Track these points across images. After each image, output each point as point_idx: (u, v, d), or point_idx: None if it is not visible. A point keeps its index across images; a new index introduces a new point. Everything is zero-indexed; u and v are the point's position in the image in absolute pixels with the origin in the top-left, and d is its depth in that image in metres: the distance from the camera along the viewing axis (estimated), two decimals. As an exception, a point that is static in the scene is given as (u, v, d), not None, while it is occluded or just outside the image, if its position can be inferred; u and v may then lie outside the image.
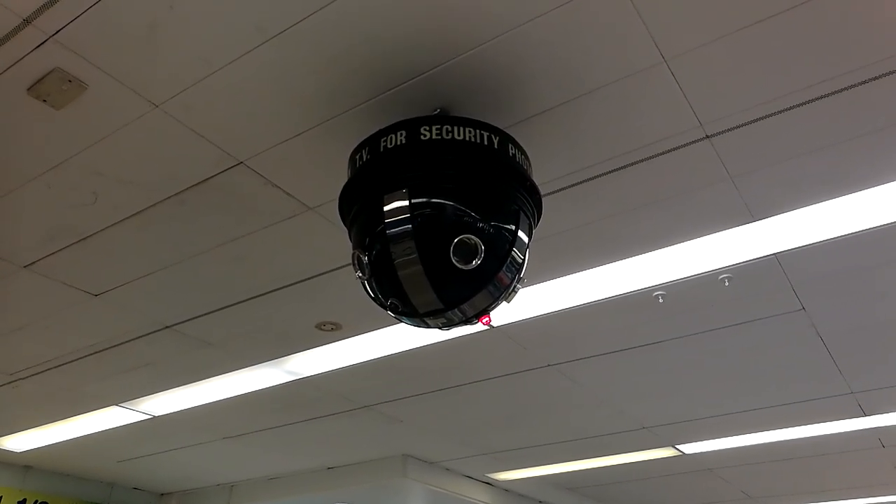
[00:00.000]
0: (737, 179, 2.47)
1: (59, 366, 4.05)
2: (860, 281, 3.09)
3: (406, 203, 1.85)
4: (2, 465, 6.06)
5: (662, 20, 1.87)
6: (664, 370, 4.06)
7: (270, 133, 2.30)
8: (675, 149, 2.33)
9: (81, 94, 2.12)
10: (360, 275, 1.99)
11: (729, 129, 2.25)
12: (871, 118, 2.20)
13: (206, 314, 3.46)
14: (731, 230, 2.75)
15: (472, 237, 1.83)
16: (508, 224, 1.94)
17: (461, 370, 4.12)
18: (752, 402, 4.60)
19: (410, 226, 1.84)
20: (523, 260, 1.99)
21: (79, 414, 4.87)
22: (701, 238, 2.80)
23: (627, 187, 2.52)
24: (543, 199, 2.09)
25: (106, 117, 2.23)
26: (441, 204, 1.90)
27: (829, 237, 2.77)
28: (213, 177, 2.50)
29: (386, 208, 1.86)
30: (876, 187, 2.49)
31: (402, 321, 2.08)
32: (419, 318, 1.97)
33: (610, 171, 2.44)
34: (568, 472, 6.30)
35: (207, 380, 4.26)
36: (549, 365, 4.01)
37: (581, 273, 3.07)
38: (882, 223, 2.67)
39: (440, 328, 2.06)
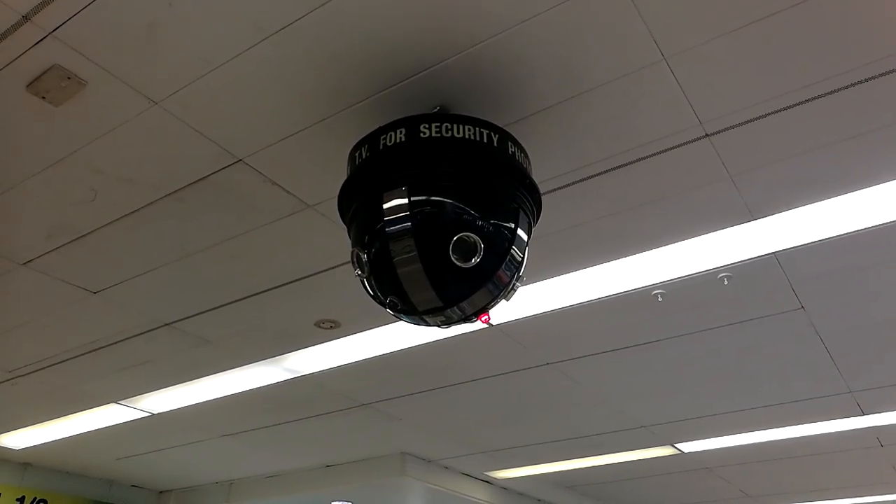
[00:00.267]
0: (736, 178, 2.47)
1: (58, 363, 4.05)
2: (859, 280, 3.10)
3: (405, 201, 1.85)
4: (0, 462, 6.06)
5: (662, 18, 1.87)
6: (663, 369, 4.06)
7: (270, 131, 2.29)
8: (674, 147, 2.33)
9: (80, 91, 2.12)
10: (360, 272, 1.99)
11: (728, 128, 2.25)
12: (870, 117, 2.20)
13: (205, 312, 3.46)
14: (730, 229, 2.75)
15: (472, 235, 1.83)
16: (508, 222, 1.94)
17: (460, 368, 4.12)
18: (750, 401, 4.60)
19: (410, 223, 1.84)
20: (522, 258, 1.99)
21: (77, 411, 4.86)
22: (700, 237, 2.80)
23: (627, 186, 2.52)
24: (543, 198, 2.09)
25: (105, 114, 2.23)
26: (440, 202, 1.90)
27: (828, 236, 2.77)
28: (212, 174, 2.50)
29: (385, 206, 1.86)
30: (876, 186, 2.49)
31: (401, 319, 2.08)
32: (418, 316, 1.97)
33: (609, 170, 2.44)
34: (566, 471, 6.31)
35: (206, 377, 4.25)
36: (547, 363, 4.01)
37: (580, 271, 3.07)
38: (881, 222, 2.67)
39: (439, 326, 2.05)
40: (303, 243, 2.90)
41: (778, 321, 3.46)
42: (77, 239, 2.87)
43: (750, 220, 2.69)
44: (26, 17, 1.88)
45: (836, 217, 2.66)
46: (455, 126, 1.87)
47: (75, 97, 2.14)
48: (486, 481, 6.68)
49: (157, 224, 2.77)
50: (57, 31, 1.92)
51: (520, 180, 1.96)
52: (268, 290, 3.25)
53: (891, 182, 2.47)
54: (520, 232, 1.95)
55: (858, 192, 2.52)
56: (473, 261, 1.82)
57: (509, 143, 1.94)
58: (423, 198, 1.88)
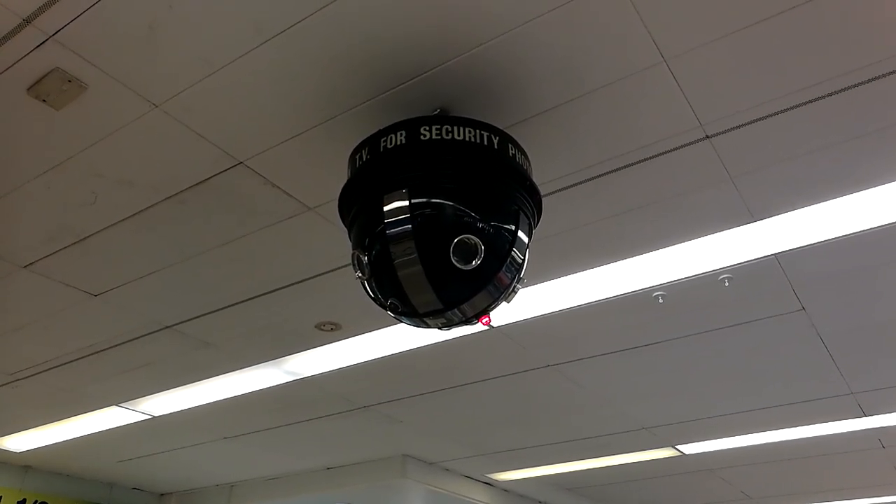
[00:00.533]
0: (737, 180, 2.47)
1: (59, 366, 4.05)
2: (860, 281, 3.09)
3: (406, 203, 1.85)
4: (1, 465, 6.06)
5: (662, 20, 1.87)
6: (664, 370, 4.06)
7: (270, 133, 2.29)
8: (674, 149, 2.33)
9: (81, 94, 2.12)
10: (360, 275, 1.99)
11: (729, 130, 2.25)
12: (871, 118, 2.20)
13: (205, 314, 3.46)
14: (731, 230, 2.75)
15: (472, 237, 1.83)
16: (508, 224, 1.94)
17: (461, 370, 4.12)
18: (752, 403, 4.60)
19: (410, 226, 1.83)
20: (523, 260, 1.99)
21: (78, 414, 4.86)
22: (701, 238, 2.80)
23: (627, 188, 2.52)
24: (543, 200, 2.09)
25: (106, 117, 2.23)
26: (441, 204, 1.89)
27: (829, 237, 2.77)
28: (212, 177, 2.50)
29: (386, 208, 1.86)
30: (876, 187, 2.49)
31: (401, 321, 2.08)
32: (419, 318, 1.97)
33: (610, 172, 2.44)
34: (568, 473, 6.30)
35: (207, 380, 4.25)
36: (548, 365, 4.01)
37: (581, 273, 3.07)
38: (882, 223, 2.67)
39: (440, 328, 2.05)
40: (303, 246, 2.90)
41: (779, 322, 3.46)
42: (78, 242, 2.87)
43: (750, 222, 2.69)
44: (27, 21, 1.88)
45: (836, 218, 2.66)
46: (455, 128, 1.87)
47: (76, 100, 2.14)
48: (488, 483, 6.68)
49: (158, 227, 2.77)
50: (58, 34, 1.92)
51: (520, 182, 1.96)
52: (269, 292, 3.25)
53: (891, 183, 2.46)
54: (520, 234, 1.95)
55: (859, 193, 2.52)
56: (474, 263, 1.82)
57: (510, 146, 1.94)
58: (424, 200, 1.88)
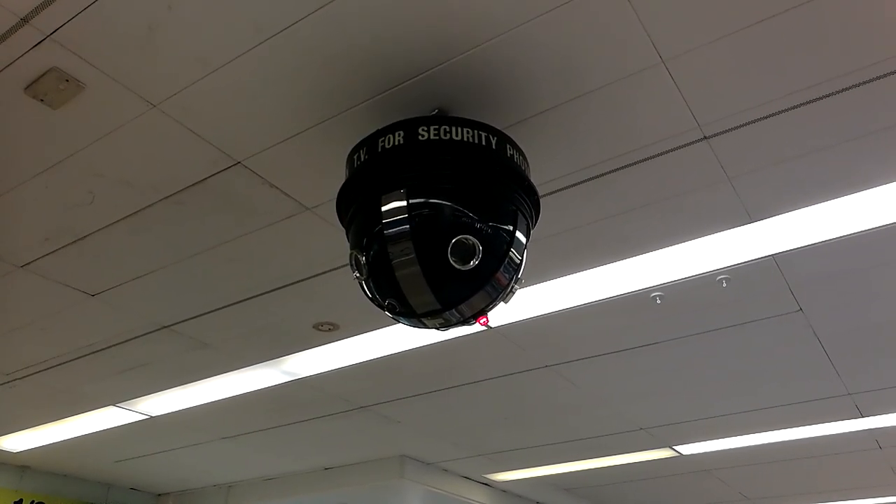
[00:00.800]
0: (734, 181, 2.47)
1: (57, 366, 4.04)
2: (858, 282, 3.10)
3: (404, 203, 1.85)
4: (-2, 465, 6.06)
5: (660, 21, 1.87)
6: (661, 371, 4.06)
7: (268, 133, 2.29)
8: (672, 150, 2.34)
9: (79, 93, 2.11)
10: (358, 275, 1.99)
11: (727, 131, 2.25)
12: (869, 120, 2.20)
13: (203, 314, 3.46)
14: (728, 231, 2.75)
15: (470, 238, 1.83)
16: (506, 224, 1.94)
17: (459, 371, 4.12)
18: (749, 403, 4.60)
19: (408, 226, 1.83)
20: (521, 260, 1.99)
21: (76, 414, 4.86)
22: (699, 239, 2.80)
23: (625, 188, 2.52)
24: (541, 200, 2.09)
25: (103, 117, 2.23)
26: (439, 204, 1.90)
27: (826, 238, 2.77)
28: (210, 177, 2.50)
29: (384, 209, 1.86)
30: (874, 189, 2.50)
31: (399, 322, 2.08)
32: (417, 318, 1.97)
33: (607, 172, 2.45)
34: (565, 473, 6.30)
35: (205, 380, 4.25)
36: (546, 366, 4.01)
37: (578, 274, 3.07)
38: (880, 224, 2.67)
39: (438, 329, 2.05)
40: (301, 246, 2.90)
41: (776, 323, 3.46)
42: (75, 241, 2.87)
43: (748, 223, 2.69)
44: (25, 20, 1.88)
45: (834, 219, 2.66)
46: (453, 129, 1.88)
47: (74, 100, 2.14)
48: (485, 484, 6.68)
49: (156, 226, 2.77)
50: (55, 33, 1.92)
51: (518, 183, 1.96)
52: (266, 292, 3.25)
53: (889, 184, 2.47)
54: (518, 234, 1.95)
55: (857, 194, 2.53)
56: (472, 263, 1.82)
57: (508, 146, 1.94)
58: (422, 200, 1.88)
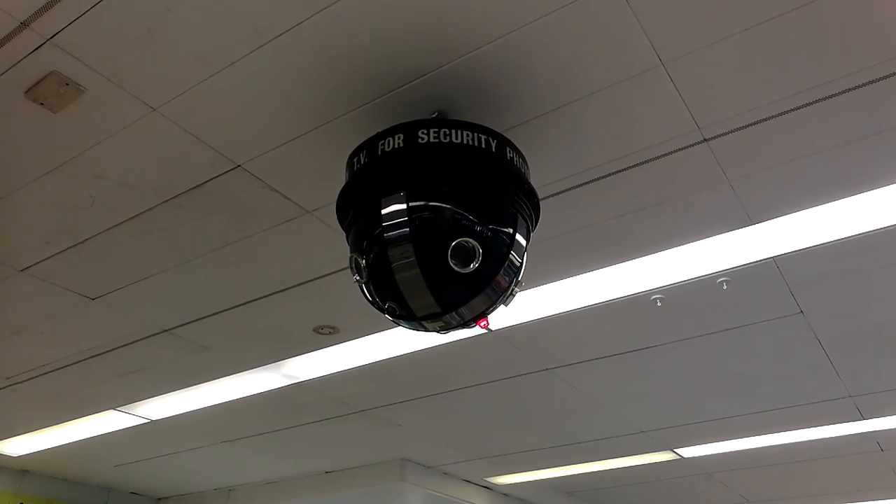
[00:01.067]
0: (735, 183, 2.47)
1: (57, 369, 4.04)
2: (859, 284, 3.09)
3: (404, 206, 1.85)
4: (-1, 469, 6.05)
5: (660, 23, 1.87)
6: (662, 374, 4.06)
7: (268, 136, 2.29)
8: (672, 152, 2.34)
9: (79, 97, 2.12)
10: (358, 278, 1.98)
11: (727, 133, 2.25)
12: (869, 121, 2.20)
13: (203, 318, 3.46)
14: (729, 233, 2.75)
15: (470, 240, 1.82)
16: (506, 227, 1.94)
17: (459, 374, 4.11)
18: (750, 406, 4.59)
19: (408, 229, 1.83)
20: (521, 263, 1.99)
21: (76, 418, 4.85)
22: (699, 241, 2.80)
23: (625, 191, 2.52)
24: (541, 203, 2.09)
25: (103, 120, 2.23)
26: (439, 207, 1.89)
27: (827, 240, 2.77)
28: (210, 180, 2.50)
29: (383, 212, 1.86)
30: (874, 190, 2.49)
31: (399, 325, 2.08)
32: (417, 321, 1.97)
33: (608, 175, 2.44)
34: (566, 476, 6.29)
35: (205, 383, 4.25)
36: (546, 369, 4.01)
37: (579, 276, 3.07)
38: (881, 226, 2.67)
39: (438, 332, 2.05)
40: (301, 249, 2.90)
41: (777, 326, 3.46)
42: (76, 245, 2.87)
43: (748, 225, 2.69)
44: (25, 24, 1.88)
45: (834, 221, 2.66)
46: (453, 131, 1.87)
47: (74, 103, 2.14)
48: (486, 487, 6.67)
49: (156, 230, 2.77)
50: (55, 37, 1.92)
51: (518, 185, 1.96)
52: (266, 295, 3.25)
53: (890, 186, 2.47)
54: (518, 237, 1.95)
55: (857, 196, 2.52)
56: (472, 266, 1.82)
57: (507, 149, 1.94)
58: (422, 203, 1.88)
